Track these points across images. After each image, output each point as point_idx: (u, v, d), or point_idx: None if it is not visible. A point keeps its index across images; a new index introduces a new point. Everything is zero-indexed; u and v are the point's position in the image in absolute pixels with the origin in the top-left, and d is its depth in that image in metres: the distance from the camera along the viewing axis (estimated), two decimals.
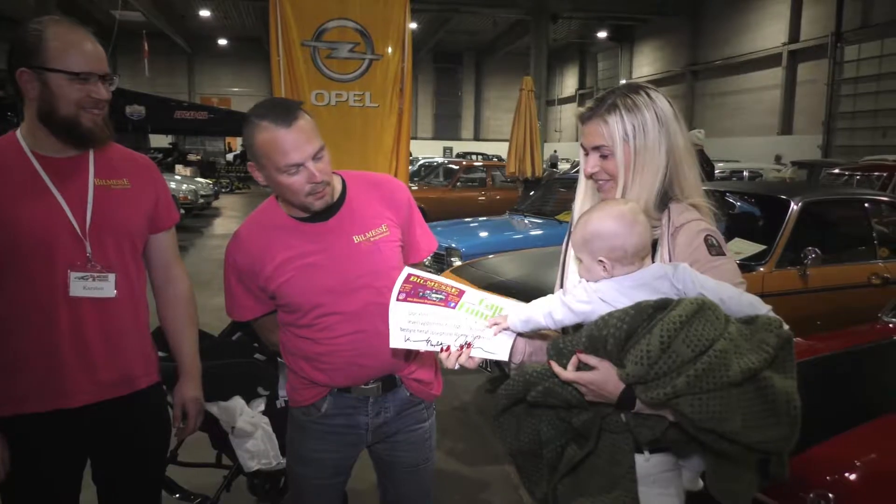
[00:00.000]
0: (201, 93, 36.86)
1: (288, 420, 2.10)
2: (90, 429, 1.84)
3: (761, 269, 4.30)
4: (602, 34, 30.59)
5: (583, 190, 1.65)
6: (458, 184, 13.64)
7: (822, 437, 2.23)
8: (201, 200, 15.35)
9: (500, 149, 26.62)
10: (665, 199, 1.53)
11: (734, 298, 1.35)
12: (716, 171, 11.75)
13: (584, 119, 1.58)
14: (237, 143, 30.89)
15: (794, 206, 4.57)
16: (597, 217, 1.44)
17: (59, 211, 1.74)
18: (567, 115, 37.83)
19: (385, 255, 1.90)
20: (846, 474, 2.15)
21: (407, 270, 1.52)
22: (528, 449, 1.52)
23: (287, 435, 2.12)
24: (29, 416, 1.76)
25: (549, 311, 1.42)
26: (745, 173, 13.97)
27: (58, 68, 1.68)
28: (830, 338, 3.40)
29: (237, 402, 2.61)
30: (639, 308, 1.31)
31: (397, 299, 1.50)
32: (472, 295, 1.49)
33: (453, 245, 6.73)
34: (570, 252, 1.66)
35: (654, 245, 1.50)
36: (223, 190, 20.95)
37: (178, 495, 2.82)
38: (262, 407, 2.67)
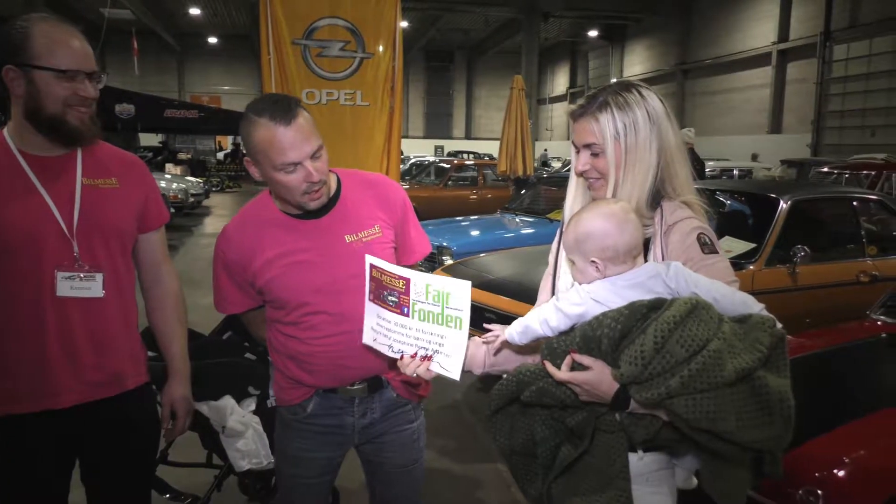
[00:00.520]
0: (191, 91, 36.68)
1: (276, 419, 2.09)
2: (79, 429, 1.83)
3: (751, 267, 4.32)
4: (593, 33, 30.63)
5: (574, 188, 1.65)
6: (450, 182, 13.62)
7: (812, 435, 2.25)
8: (192, 199, 15.27)
9: (491, 147, 26.64)
10: (657, 197, 1.53)
11: (727, 297, 1.35)
12: (706, 170, 11.78)
13: (575, 116, 1.57)
14: (227, 142, 30.78)
15: (783, 205, 4.60)
16: (587, 217, 1.44)
17: (46, 210, 1.73)
18: (558, 113, 37.89)
19: (376, 256, 1.89)
20: (835, 471, 2.16)
21: (368, 261, 1.52)
22: (521, 449, 1.52)
23: (275, 434, 2.11)
24: (16, 417, 1.75)
25: (544, 319, 1.42)
26: (735, 172, 14.04)
27: (44, 66, 1.67)
28: (819, 335, 3.42)
29: (228, 401, 2.60)
30: (633, 308, 1.30)
31: (370, 299, 1.52)
32: (419, 286, 1.47)
33: (445, 244, 6.73)
34: (562, 252, 1.66)
35: (647, 244, 1.50)
36: (214, 189, 20.85)
37: (168, 495, 2.81)
38: (253, 406, 2.66)
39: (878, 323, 3.45)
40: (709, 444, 1.29)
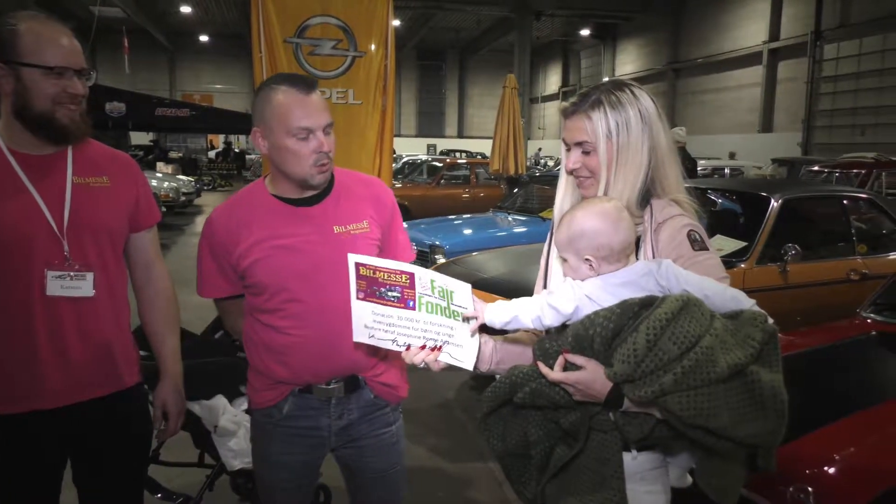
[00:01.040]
0: (183, 90, 36.54)
1: (251, 423, 2.07)
2: (70, 430, 1.82)
3: (742, 265, 4.34)
4: (585, 32, 30.69)
5: (563, 186, 1.64)
6: (442, 181, 13.63)
7: (802, 432, 2.26)
8: (183, 198, 15.23)
9: (483, 146, 26.62)
10: (646, 196, 1.53)
11: (718, 294, 1.35)
12: (698, 169, 11.84)
13: (567, 114, 1.56)
14: (219, 141, 30.67)
15: (774, 203, 4.61)
16: (581, 216, 1.44)
17: (36, 209, 1.71)
18: (550, 112, 37.92)
19: (359, 250, 1.86)
20: (825, 468, 2.17)
21: (353, 260, 1.49)
22: (515, 450, 1.51)
23: (251, 438, 2.09)
24: (6, 417, 1.74)
25: (537, 316, 1.40)
26: (727, 170, 14.10)
27: (32, 63, 1.66)
28: (810, 333, 3.44)
29: (219, 400, 2.59)
30: (624, 306, 1.30)
31: (357, 298, 1.50)
32: (424, 281, 1.46)
33: (437, 242, 6.72)
34: (554, 251, 1.66)
35: (637, 242, 1.49)
36: (205, 187, 20.76)
37: (160, 495, 2.80)
38: (245, 405, 2.65)
39: (868, 321, 3.47)
40: (703, 441, 1.29)
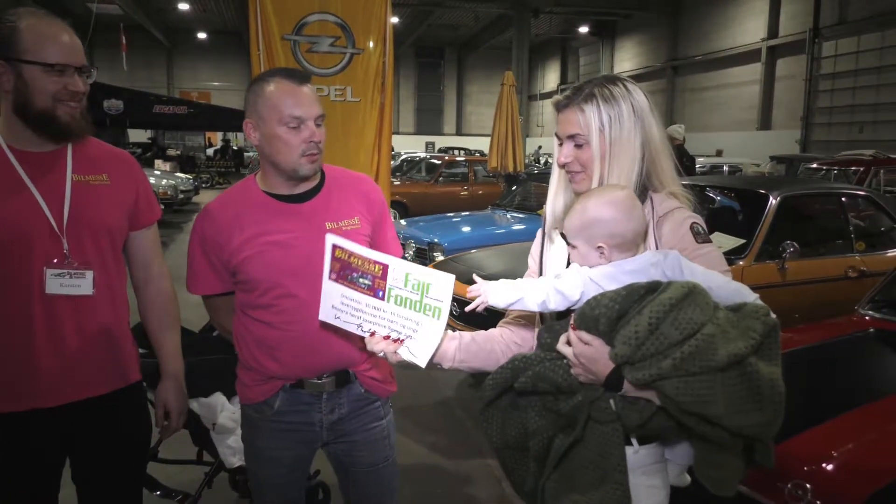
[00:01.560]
0: (180, 87, 36.45)
1: (241, 419, 2.08)
2: (69, 428, 1.82)
3: (740, 262, 4.34)
4: (583, 29, 30.65)
5: (556, 180, 1.64)
6: (441, 179, 13.62)
7: (800, 429, 2.26)
8: (181, 196, 15.18)
9: (482, 144, 26.58)
10: (644, 190, 1.54)
11: (722, 286, 1.36)
12: (696, 166, 11.84)
13: (560, 107, 1.57)
14: (217, 138, 30.62)
15: (772, 201, 4.62)
16: (595, 203, 1.43)
17: (36, 207, 1.71)
18: (549, 110, 37.41)
19: None
20: (823, 465, 2.18)
21: (331, 241, 1.50)
22: (514, 443, 1.51)
23: (242, 434, 2.10)
24: (5, 416, 1.73)
25: (543, 300, 1.40)
26: (725, 168, 14.10)
27: (33, 60, 1.66)
28: (808, 330, 3.45)
29: (218, 398, 2.60)
30: (630, 289, 1.31)
31: (329, 278, 1.50)
32: (398, 273, 1.46)
33: (436, 240, 6.72)
34: (548, 246, 1.66)
35: None
36: (203, 185, 20.73)
37: (159, 493, 2.80)
38: None
39: (867, 318, 3.48)
40: (697, 429, 1.29)
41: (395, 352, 1.48)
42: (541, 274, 1.68)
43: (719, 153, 18.90)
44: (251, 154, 26.27)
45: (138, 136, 23.88)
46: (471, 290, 1.46)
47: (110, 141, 2.04)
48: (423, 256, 6.57)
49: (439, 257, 6.25)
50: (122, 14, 24.97)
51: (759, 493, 2.15)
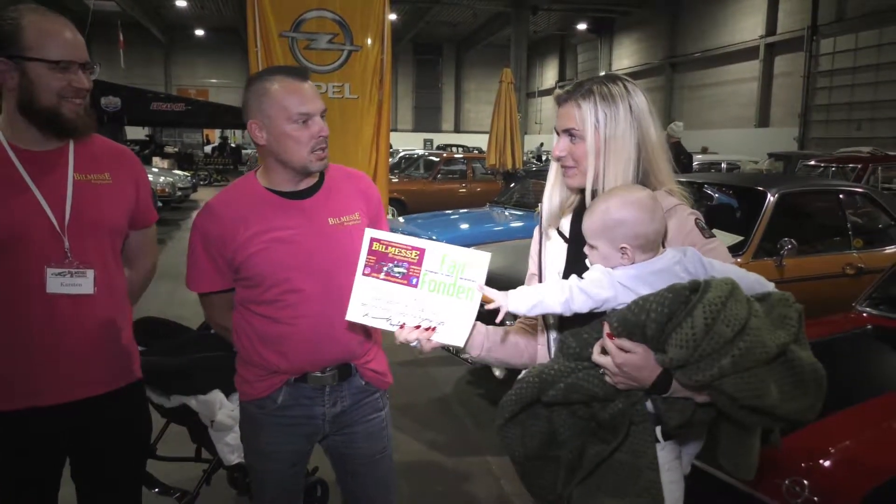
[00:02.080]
0: (178, 84, 36.36)
1: (242, 416, 2.08)
2: (69, 426, 1.81)
3: (738, 259, 4.34)
4: (582, 26, 30.61)
5: (554, 174, 1.65)
6: (439, 176, 13.61)
7: (797, 425, 2.26)
8: (179, 193, 15.15)
9: (480, 141, 26.60)
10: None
11: (742, 278, 1.37)
12: (694, 163, 11.84)
13: (560, 101, 1.58)
14: (215, 135, 30.57)
15: (770, 198, 4.62)
16: (618, 204, 1.42)
17: (37, 206, 1.71)
18: (547, 107, 37.83)
19: (355, 241, 1.86)
20: (821, 461, 2.18)
21: (369, 235, 1.50)
22: (535, 454, 1.48)
23: (242, 430, 2.10)
24: (5, 414, 1.73)
25: (566, 299, 1.38)
26: (724, 165, 14.10)
27: (37, 57, 1.65)
28: (805, 327, 3.45)
29: (216, 395, 2.60)
30: (675, 291, 1.29)
31: (363, 273, 1.49)
32: (434, 256, 1.46)
33: (434, 237, 6.72)
34: (545, 241, 1.67)
35: None
36: (201, 182, 20.72)
37: (157, 490, 2.80)
38: None
39: (864, 315, 3.48)
40: (746, 420, 1.31)
41: (430, 339, 1.47)
42: (541, 274, 1.68)
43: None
44: (249, 151, 26.23)
45: (136, 133, 23.84)
46: (492, 300, 1.44)
47: (108, 138, 2.03)
48: None
49: None
50: (120, 11, 24.90)
51: (756, 489, 2.15)
